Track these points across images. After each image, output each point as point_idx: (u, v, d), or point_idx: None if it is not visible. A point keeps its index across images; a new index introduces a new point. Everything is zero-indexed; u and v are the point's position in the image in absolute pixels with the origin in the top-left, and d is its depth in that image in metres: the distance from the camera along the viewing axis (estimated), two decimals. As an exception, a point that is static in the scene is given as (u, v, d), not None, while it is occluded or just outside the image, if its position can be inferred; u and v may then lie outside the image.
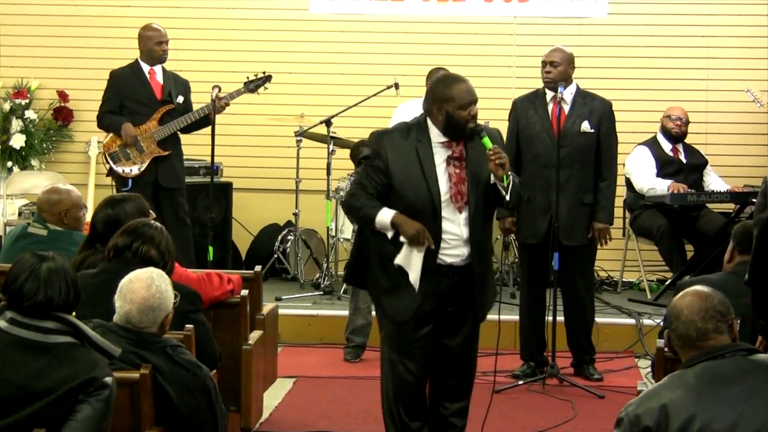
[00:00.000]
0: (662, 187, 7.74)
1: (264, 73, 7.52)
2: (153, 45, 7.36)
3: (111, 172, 7.39)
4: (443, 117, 4.56)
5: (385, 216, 4.47)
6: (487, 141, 4.54)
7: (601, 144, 6.36)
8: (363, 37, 8.97)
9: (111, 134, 7.35)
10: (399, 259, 4.50)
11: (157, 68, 7.42)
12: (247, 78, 7.49)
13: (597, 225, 6.33)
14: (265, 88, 7.54)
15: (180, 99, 7.40)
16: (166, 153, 7.30)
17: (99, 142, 8.81)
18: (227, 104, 7.31)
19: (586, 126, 6.29)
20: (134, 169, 7.27)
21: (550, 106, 6.35)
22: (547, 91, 6.36)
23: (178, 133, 7.37)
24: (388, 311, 4.62)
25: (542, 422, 5.59)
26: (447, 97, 4.55)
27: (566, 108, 6.32)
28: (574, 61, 6.39)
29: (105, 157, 7.37)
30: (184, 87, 7.51)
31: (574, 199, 6.27)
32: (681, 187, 7.72)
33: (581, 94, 6.40)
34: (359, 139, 7.54)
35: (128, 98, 7.37)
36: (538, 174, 6.29)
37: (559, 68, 6.28)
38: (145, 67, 7.40)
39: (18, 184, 8.97)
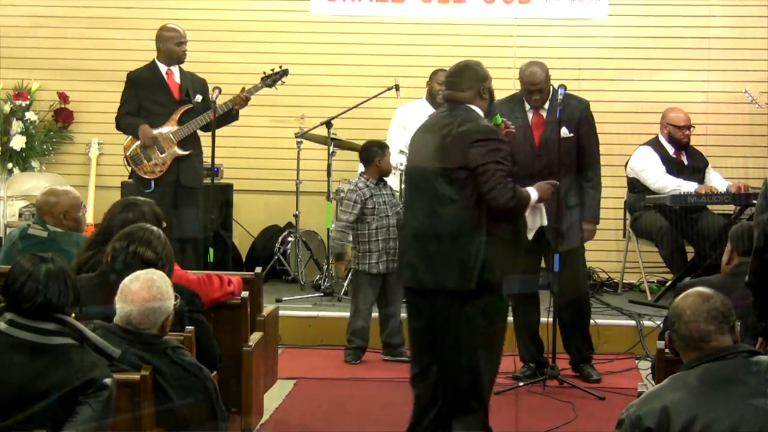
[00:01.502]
0: (688, 188, 7.71)
1: (281, 66, 7.52)
2: (173, 45, 7.35)
3: (133, 174, 7.38)
4: (488, 96, 4.83)
5: (533, 192, 4.88)
6: (498, 117, 4.93)
7: (583, 146, 6.30)
8: (363, 39, 8.96)
9: (130, 136, 7.33)
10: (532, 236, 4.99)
11: (174, 68, 7.40)
12: (264, 73, 7.50)
13: (584, 226, 6.33)
14: (282, 83, 7.54)
15: (198, 98, 7.39)
16: (187, 153, 7.29)
17: (99, 143, 8.82)
18: (248, 98, 7.32)
19: (564, 132, 6.23)
20: (156, 170, 7.25)
21: (530, 115, 6.31)
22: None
23: (198, 132, 7.36)
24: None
25: (543, 424, 5.58)
26: (487, 76, 4.87)
27: (544, 114, 6.27)
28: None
29: (126, 159, 7.35)
30: (201, 86, 7.49)
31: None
32: (710, 188, 7.71)
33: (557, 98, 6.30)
34: (359, 140, 7.54)
35: (146, 99, 7.34)
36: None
37: (545, 90, 6.24)
38: (163, 68, 7.38)
39: (18, 186, 8.96)
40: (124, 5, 9.04)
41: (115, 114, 7.40)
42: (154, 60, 7.42)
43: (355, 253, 6.84)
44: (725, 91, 8.71)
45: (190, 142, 7.32)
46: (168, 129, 7.26)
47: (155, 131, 7.23)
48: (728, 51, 8.75)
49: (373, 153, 6.85)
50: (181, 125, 7.27)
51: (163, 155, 7.25)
